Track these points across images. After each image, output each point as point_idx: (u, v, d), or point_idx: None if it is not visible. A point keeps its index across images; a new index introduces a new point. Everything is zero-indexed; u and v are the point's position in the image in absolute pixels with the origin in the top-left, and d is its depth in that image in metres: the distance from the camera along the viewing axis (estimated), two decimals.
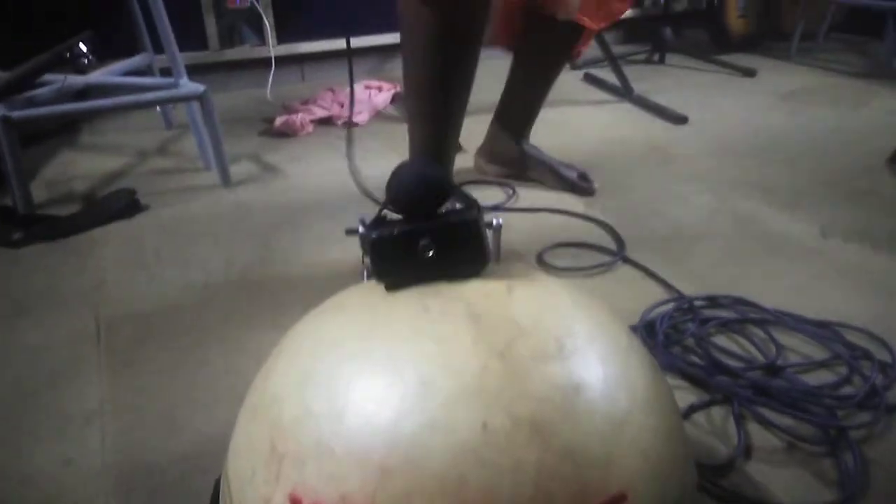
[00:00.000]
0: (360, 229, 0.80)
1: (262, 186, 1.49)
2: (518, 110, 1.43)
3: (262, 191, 1.47)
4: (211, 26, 2.14)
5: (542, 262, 1.15)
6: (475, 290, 0.54)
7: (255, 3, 2.15)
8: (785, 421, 0.78)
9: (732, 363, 0.88)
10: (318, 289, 1.11)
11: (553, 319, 0.51)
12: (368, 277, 0.83)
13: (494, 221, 0.77)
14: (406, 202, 0.56)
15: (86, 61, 1.33)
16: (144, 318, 1.02)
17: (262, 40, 2.20)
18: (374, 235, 0.56)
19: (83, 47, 1.32)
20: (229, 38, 2.18)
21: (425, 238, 0.55)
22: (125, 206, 1.35)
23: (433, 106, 1.06)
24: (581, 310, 0.54)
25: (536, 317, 0.51)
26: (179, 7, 1.77)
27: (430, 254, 0.55)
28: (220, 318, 1.02)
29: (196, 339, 0.97)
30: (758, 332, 0.94)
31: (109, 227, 1.31)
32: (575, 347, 0.49)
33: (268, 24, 2.18)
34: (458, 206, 0.60)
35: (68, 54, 1.31)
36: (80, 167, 1.62)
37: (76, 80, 1.43)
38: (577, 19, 1.22)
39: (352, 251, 1.19)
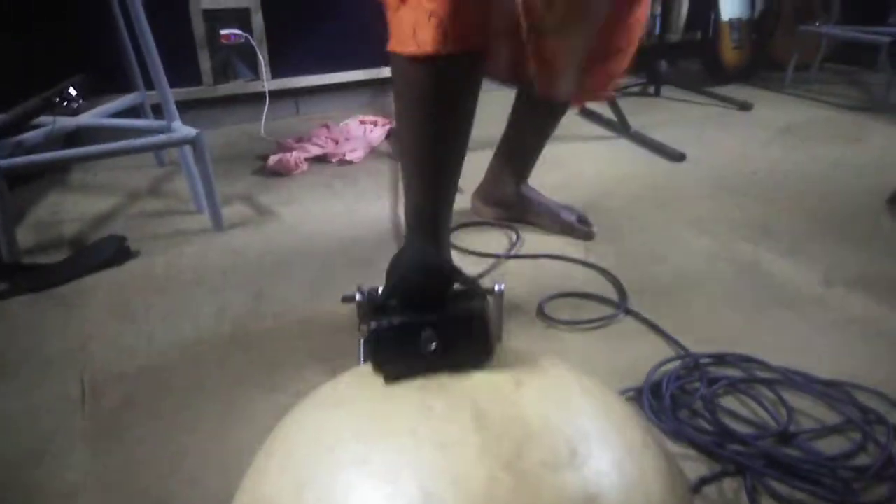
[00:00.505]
0: (358, 297, 0.78)
1: (256, 230, 1.46)
2: (518, 153, 1.41)
3: (255, 235, 1.44)
4: (205, 61, 2.12)
5: (542, 315, 1.12)
6: (481, 385, 0.51)
7: (250, 37, 2.14)
8: (800, 496, 0.75)
9: (743, 429, 0.85)
10: (314, 346, 1.10)
11: (564, 419, 0.48)
12: (366, 359, 0.81)
13: (496, 287, 0.74)
14: (408, 292, 0.53)
15: (76, 105, 1.30)
16: (132, 379, 0.98)
17: (257, 75, 2.19)
18: (372, 326, 0.53)
19: (73, 91, 1.29)
20: (223, 73, 2.16)
21: (427, 330, 0.52)
22: (114, 253, 1.31)
23: (428, 166, 1.03)
24: (593, 403, 0.51)
25: (547, 416, 0.48)
26: (173, 43, 1.76)
27: (433, 347, 0.52)
28: (212, 379, 0.98)
29: (186, 402, 0.94)
30: (767, 394, 0.92)
31: (98, 277, 1.27)
32: (589, 453, 0.46)
33: (262, 58, 2.17)
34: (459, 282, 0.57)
35: (58, 98, 1.29)
36: (69, 209, 1.59)
37: (66, 122, 1.40)
38: (569, 99, 1.21)
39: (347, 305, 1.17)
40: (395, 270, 0.54)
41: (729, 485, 0.77)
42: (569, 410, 0.50)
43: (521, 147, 1.39)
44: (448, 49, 0.90)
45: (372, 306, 0.55)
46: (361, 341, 0.81)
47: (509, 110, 1.39)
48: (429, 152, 1.02)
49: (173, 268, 1.30)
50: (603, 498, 0.44)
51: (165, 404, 0.93)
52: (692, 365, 0.96)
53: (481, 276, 1.25)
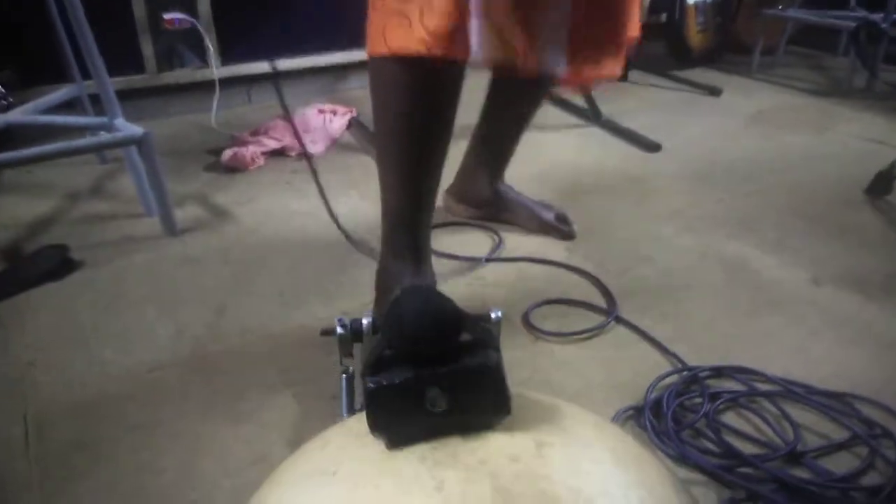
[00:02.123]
0: (339, 330, 0.70)
1: (212, 234, 1.35)
2: (495, 148, 1.32)
3: (212, 240, 1.33)
4: (147, 48, 1.97)
5: (528, 325, 1.05)
6: (498, 452, 0.44)
7: (196, 22, 1.99)
8: None
9: (748, 449, 0.80)
10: (284, 367, 1.01)
11: (597, 490, 0.42)
12: (349, 381, 0.73)
13: (493, 314, 0.67)
14: (409, 343, 0.45)
15: (5, 103, 1.17)
16: (82, 413, 0.88)
17: (205, 62, 2.04)
18: (371, 384, 0.45)
19: (0, 88, 1.16)
20: (168, 60, 2.01)
21: (435, 388, 0.45)
22: (56, 264, 1.19)
23: (409, 168, 0.95)
24: (625, 470, 0.45)
25: (577, 489, 0.41)
26: (111, 28, 1.61)
27: (442, 407, 0.45)
28: (171, 411, 0.89)
29: (144, 438, 0.84)
30: (769, 408, 0.87)
31: (38, 292, 1.15)
32: None
33: (210, 44, 2.03)
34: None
35: None
36: (2, 213, 1.45)
37: None
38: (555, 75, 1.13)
39: (317, 315, 1.09)
40: (397, 312, 0.46)
41: None
42: (602, 481, 0.43)
43: (497, 141, 1.31)
44: (422, 50, 0.83)
45: (370, 361, 0.47)
46: (344, 378, 0.74)
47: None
48: (414, 148, 0.93)
49: (123, 281, 1.19)
50: None
51: (121, 444, 0.83)
52: (691, 379, 0.91)
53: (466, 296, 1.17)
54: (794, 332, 1.04)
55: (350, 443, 0.49)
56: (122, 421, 0.87)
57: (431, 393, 0.45)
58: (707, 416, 0.85)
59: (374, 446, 0.47)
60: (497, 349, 0.47)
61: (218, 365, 0.97)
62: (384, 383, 0.45)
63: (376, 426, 0.46)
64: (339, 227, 1.05)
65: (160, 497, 0.76)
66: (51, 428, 0.86)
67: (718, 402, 0.87)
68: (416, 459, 0.45)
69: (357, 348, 0.69)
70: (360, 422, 0.52)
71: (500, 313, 0.66)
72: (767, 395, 0.89)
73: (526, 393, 0.52)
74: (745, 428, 0.84)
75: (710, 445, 0.81)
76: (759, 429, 0.84)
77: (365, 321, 0.68)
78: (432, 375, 0.45)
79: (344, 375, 0.72)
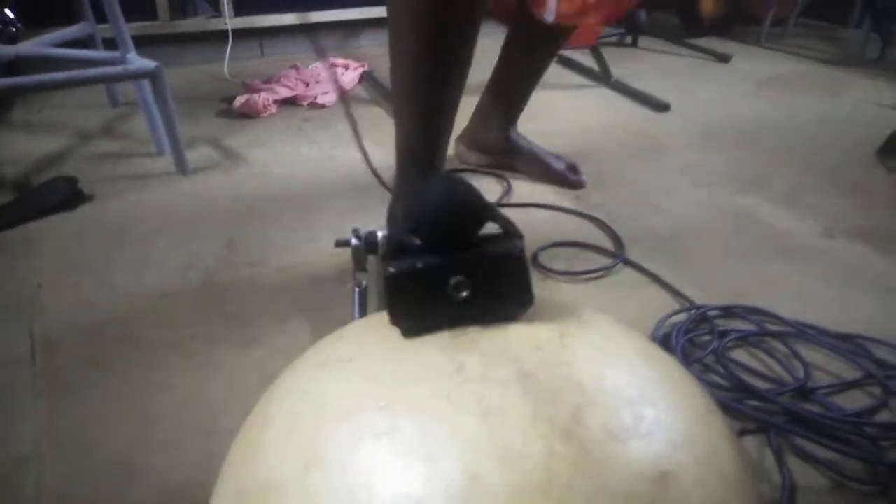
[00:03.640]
0: (354, 241, 0.69)
1: (223, 174, 1.35)
2: (509, 94, 1.31)
3: (223, 180, 1.32)
4: None
5: (538, 265, 1.05)
6: (521, 340, 0.44)
7: None
8: (827, 454, 0.71)
9: (759, 385, 0.80)
10: (294, 296, 1.01)
11: (622, 378, 0.41)
12: (361, 296, 0.72)
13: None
14: (434, 230, 0.45)
15: (13, 30, 1.16)
16: (89, 333, 0.88)
17: (218, 11, 2.02)
18: (391, 269, 0.44)
19: (10, 13, 1.14)
20: (181, 8, 1.99)
21: (458, 274, 0.44)
22: (66, 195, 1.19)
23: (426, 88, 0.92)
24: (649, 361, 0.44)
25: (601, 375, 0.41)
26: None
27: (465, 294, 0.44)
28: (182, 334, 0.89)
29: (153, 359, 0.84)
30: (779, 347, 0.87)
31: (47, 222, 1.15)
32: (656, 420, 0.39)
33: None
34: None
35: None
36: (11, 149, 1.44)
37: (3, 50, 1.25)
38: (555, 21, 1.11)
39: (328, 250, 1.08)
40: (421, 201, 0.45)
41: (751, 443, 0.72)
42: (626, 369, 0.43)
43: (511, 87, 1.30)
44: None
45: (391, 246, 0.46)
46: (356, 291, 0.73)
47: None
48: (433, 61, 0.90)
49: (133, 213, 1.19)
50: (678, 474, 0.37)
51: (130, 362, 0.84)
52: (700, 318, 0.91)
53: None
54: (805, 279, 1.04)
55: (366, 335, 0.49)
56: (131, 341, 0.87)
57: (455, 279, 0.44)
58: (716, 352, 0.84)
59: (392, 337, 0.47)
60: (521, 238, 0.46)
61: (229, 293, 0.97)
62: (406, 268, 0.44)
63: (396, 314, 0.45)
64: (366, 159, 1.04)
65: (167, 417, 0.76)
66: (57, 345, 0.86)
67: (727, 339, 0.87)
68: (435, 347, 0.44)
69: (371, 263, 0.69)
70: (376, 318, 0.52)
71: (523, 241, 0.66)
72: (778, 335, 0.89)
73: (545, 296, 0.52)
74: (754, 365, 0.84)
75: (719, 380, 0.81)
76: (769, 366, 0.84)
77: (380, 233, 0.68)
78: (456, 261, 0.44)
79: (357, 289, 0.72)
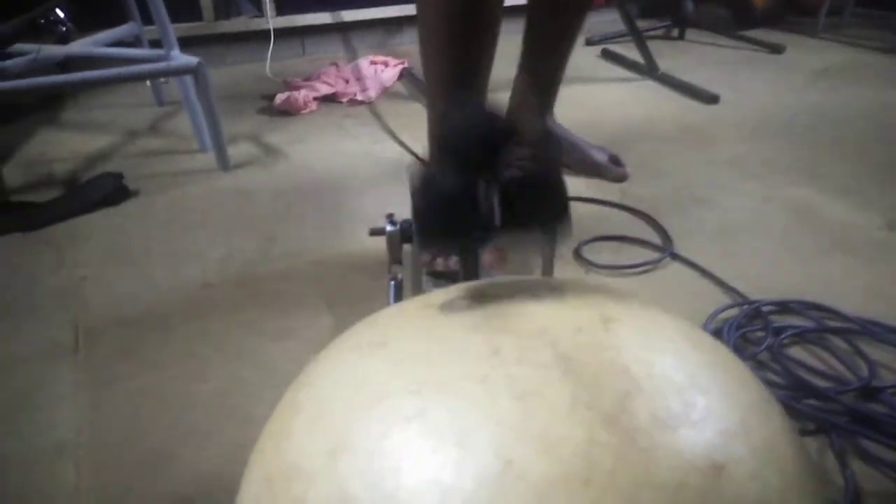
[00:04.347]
0: (389, 228, 0.68)
1: (264, 170, 1.35)
2: (538, 74, 1.24)
3: (263, 175, 1.33)
4: None
5: (580, 259, 1.02)
6: (560, 321, 0.41)
7: None
8: (893, 456, 0.66)
9: (819, 383, 0.75)
10: (330, 290, 1.00)
11: (670, 364, 0.39)
12: (397, 288, 0.71)
13: None
14: (466, 147, 0.42)
15: (64, 28, 1.18)
16: (130, 324, 0.89)
17: (261, 11, 2.04)
18: (419, 194, 0.42)
19: (60, 14, 1.17)
20: (225, 9, 2.02)
21: (490, 194, 0.41)
22: (111, 191, 1.21)
23: (450, 71, 0.91)
24: (699, 348, 0.41)
25: (648, 361, 0.38)
26: None
27: (496, 215, 0.41)
28: (219, 325, 0.89)
29: (190, 349, 0.84)
30: (840, 344, 0.82)
31: (93, 216, 1.17)
32: (708, 408, 0.36)
33: None
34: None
35: (43, 21, 1.16)
36: (61, 147, 1.48)
37: (54, 50, 1.28)
38: None
39: (366, 244, 1.07)
40: (450, 121, 0.43)
41: (810, 445, 0.68)
42: (675, 355, 0.40)
43: (542, 64, 1.22)
44: None
45: (420, 175, 0.43)
46: (392, 285, 0.72)
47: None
48: (449, 57, 0.89)
49: (176, 208, 1.20)
50: (732, 466, 0.34)
51: (168, 353, 0.84)
52: (753, 313, 0.87)
53: None
54: (866, 274, 0.98)
55: (399, 319, 0.47)
56: (169, 332, 0.87)
57: (487, 201, 0.41)
58: (771, 349, 0.80)
59: (425, 319, 0.45)
60: (557, 157, 0.43)
61: (265, 286, 0.97)
62: (435, 187, 0.42)
63: (423, 237, 0.43)
64: (407, 149, 1.02)
65: (203, 406, 0.76)
66: (99, 336, 0.87)
67: (783, 335, 0.82)
68: (469, 328, 0.42)
69: (406, 254, 0.67)
70: (411, 303, 0.50)
71: None
72: (839, 332, 0.84)
73: (591, 280, 0.49)
74: (812, 362, 0.79)
75: (775, 377, 0.77)
76: (829, 364, 0.79)
77: None
78: (486, 181, 0.41)
79: (392, 282, 0.70)
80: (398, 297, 0.70)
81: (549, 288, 0.46)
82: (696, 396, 0.36)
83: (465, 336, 0.42)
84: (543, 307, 0.43)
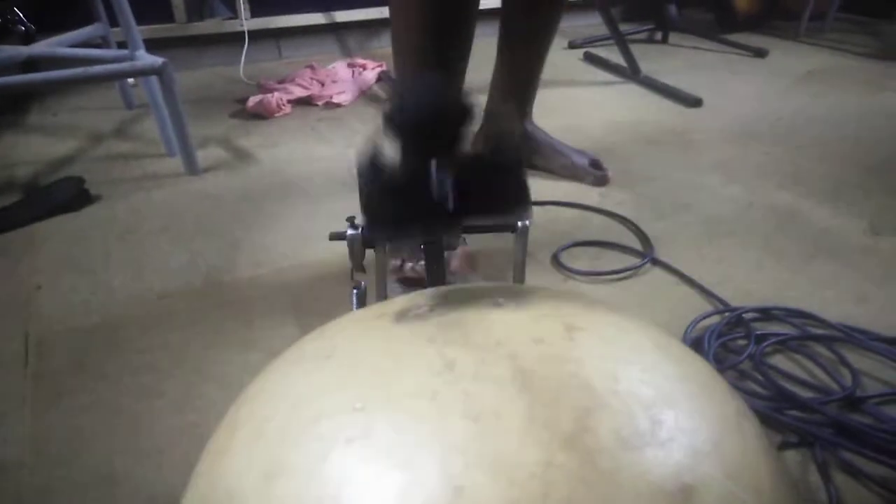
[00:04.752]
0: (350, 232, 0.64)
1: (233, 174, 1.31)
2: (515, 81, 1.22)
3: (232, 179, 1.28)
4: None
5: (558, 265, 0.99)
6: (521, 331, 0.38)
7: None
8: (878, 470, 0.63)
9: (802, 393, 0.72)
10: (296, 299, 0.96)
11: (637, 377, 0.35)
12: (360, 297, 0.67)
13: (519, 223, 0.61)
14: (419, 123, 0.38)
15: (24, 29, 1.14)
16: (84, 335, 0.84)
17: (234, 13, 2.00)
18: (367, 177, 0.38)
19: (20, 13, 1.12)
20: (198, 9, 1.97)
21: (442, 179, 0.38)
22: (71, 196, 1.16)
23: (433, 56, 0.87)
24: (669, 358, 0.38)
25: (613, 374, 0.35)
26: None
27: (450, 200, 0.37)
28: (178, 336, 0.84)
29: (146, 362, 0.80)
30: (824, 352, 0.79)
31: (52, 222, 1.12)
32: (677, 425, 0.33)
33: None
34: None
35: (1, 20, 1.12)
36: (24, 151, 1.43)
37: (15, 51, 1.23)
38: None
39: (336, 250, 1.03)
40: (400, 97, 0.39)
41: (792, 456, 0.65)
42: (643, 367, 0.36)
43: (517, 64, 1.20)
44: None
45: (367, 154, 0.40)
46: (354, 294, 0.68)
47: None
48: (424, 51, 0.86)
49: (139, 214, 1.15)
50: (703, 487, 0.31)
51: (123, 365, 0.79)
52: (735, 320, 0.84)
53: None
54: (851, 280, 0.95)
55: (350, 329, 0.44)
56: (125, 344, 0.83)
57: (440, 184, 0.38)
58: (753, 357, 0.77)
59: (377, 330, 0.42)
60: (517, 144, 0.40)
61: (229, 294, 0.93)
62: (384, 175, 0.38)
63: (374, 229, 0.39)
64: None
65: (157, 424, 0.71)
66: (50, 347, 0.82)
67: (765, 343, 0.79)
68: (423, 340, 0.39)
69: (370, 261, 0.63)
70: (365, 311, 0.46)
71: (527, 221, 0.60)
72: (822, 340, 0.81)
73: (553, 288, 0.46)
74: (795, 371, 0.76)
75: (757, 387, 0.74)
76: (812, 373, 0.76)
77: None
78: (437, 162, 0.38)
79: (355, 291, 0.66)
80: (361, 307, 0.66)
81: (512, 295, 0.43)
82: (665, 412, 0.33)
83: (418, 348, 0.38)
84: (505, 316, 0.40)
